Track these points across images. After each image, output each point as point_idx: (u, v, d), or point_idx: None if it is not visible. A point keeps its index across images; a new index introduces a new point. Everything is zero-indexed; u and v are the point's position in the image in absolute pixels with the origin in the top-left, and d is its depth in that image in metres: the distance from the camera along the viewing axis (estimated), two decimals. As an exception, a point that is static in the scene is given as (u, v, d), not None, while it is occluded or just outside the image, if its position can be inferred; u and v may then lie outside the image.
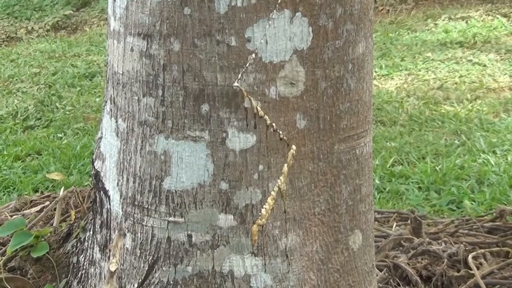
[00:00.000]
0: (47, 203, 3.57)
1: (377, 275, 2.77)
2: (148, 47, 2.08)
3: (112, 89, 2.21)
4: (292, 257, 2.14)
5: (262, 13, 2.00)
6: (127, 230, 2.19)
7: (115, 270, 2.23)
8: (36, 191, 4.89)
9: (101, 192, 2.30)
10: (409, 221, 3.56)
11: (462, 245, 3.31)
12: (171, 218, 2.12)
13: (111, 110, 2.22)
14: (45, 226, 3.15)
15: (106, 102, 2.26)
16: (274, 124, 2.06)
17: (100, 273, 2.31)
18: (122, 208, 2.21)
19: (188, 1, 2.01)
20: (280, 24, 2.02)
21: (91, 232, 2.41)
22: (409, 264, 3.15)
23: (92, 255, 2.38)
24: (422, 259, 3.23)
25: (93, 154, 2.40)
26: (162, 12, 2.04)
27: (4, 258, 3.00)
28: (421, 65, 7.33)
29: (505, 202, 4.32)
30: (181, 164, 2.09)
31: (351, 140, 2.18)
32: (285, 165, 2.09)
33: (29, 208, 3.67)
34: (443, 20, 8.83)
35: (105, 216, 2.29)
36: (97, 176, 2.32)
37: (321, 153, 2.13)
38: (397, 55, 7.69)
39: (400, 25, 8.93)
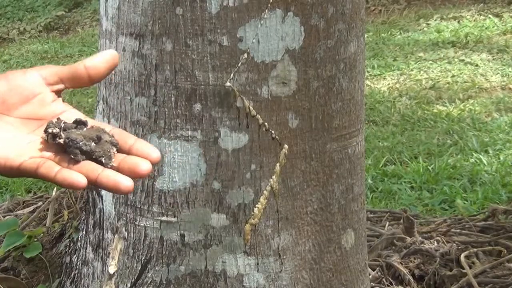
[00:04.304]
0: (40, 203, 3.57)
1: (369, 275, 2.77)
2: (140, 47, 2.08)
3: (104, 89, 2.21)
4: (284, 256, 2.14)
5: (254, 12, 2.00)
6: (124, 230, 2.19)
7: (114, 273, 2.23)
8: (29, 192, 4.88)
9: (94, 192, 2.30)
10: (401, 221, 3.56)
11: (454, 244, 3.32)
12: (164, 218, 2.12)
13: (103, 110, 2.22)
14: (38, 227, 3.14)
15: (99, 102, 2.26)
16: (266, 123, 2.06)
17: (93, 273, 2.31)
18: (115, 208, 2.21)
19: (180, 1, 2.01)
20: (272, 24, 2.02)
21: (84, 232, 2.40)
22: (401, 263, 3.16)
23: (85, 255, 2.38)
24: (414, 258, 3.23)
25: (85, 154, 2.39)
26: (154, 12, 2.04)
27: (-4, 258, 2.99)
28: (414, 65, 7.33)
29: (498, 201, 4.31)
30: (174, 164, 2.09)
31: (343, 139, 2.18)
32: (278, 164, 2.09)
33: (22, 209, 3.67)
34: (435, 20, 8.83)
35: (97, 216, 2.29)
36: (89, 176, 2.31)
37: (313, 152, 2.13)
38: (389, 55, 7.69)
39: (392, 25, 8.92)
